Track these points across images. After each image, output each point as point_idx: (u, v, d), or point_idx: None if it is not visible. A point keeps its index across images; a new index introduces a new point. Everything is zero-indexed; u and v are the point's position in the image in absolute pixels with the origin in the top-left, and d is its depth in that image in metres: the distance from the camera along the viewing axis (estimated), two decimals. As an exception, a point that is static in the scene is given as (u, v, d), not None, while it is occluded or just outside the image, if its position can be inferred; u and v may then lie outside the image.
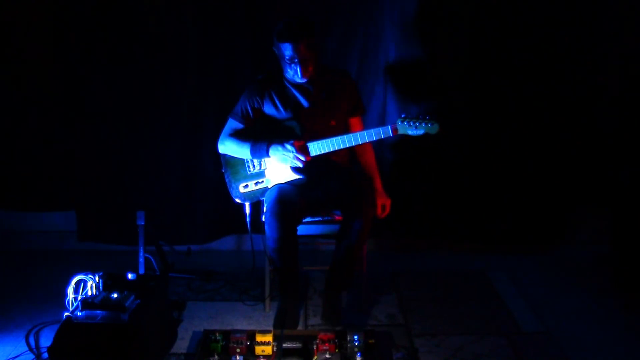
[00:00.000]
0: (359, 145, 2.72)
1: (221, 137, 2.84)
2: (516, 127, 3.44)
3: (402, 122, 2.62)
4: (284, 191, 2.71)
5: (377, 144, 2.92)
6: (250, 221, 2.83)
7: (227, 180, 2.86)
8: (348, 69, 3.28)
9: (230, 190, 2.85)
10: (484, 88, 3.38)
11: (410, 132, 2.62)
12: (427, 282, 3.28)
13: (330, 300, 2.84)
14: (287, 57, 2.64)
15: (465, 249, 3.67)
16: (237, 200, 2.84)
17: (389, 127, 2.64)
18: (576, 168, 3.51)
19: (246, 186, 2.82)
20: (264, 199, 2.80)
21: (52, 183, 3.45)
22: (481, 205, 3.55)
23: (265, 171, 2.80)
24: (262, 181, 2.80)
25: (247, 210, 2.84)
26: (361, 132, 2.67)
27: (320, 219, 2.87)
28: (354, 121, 2.93)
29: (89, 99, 3.31)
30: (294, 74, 2.68)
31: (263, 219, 2.86)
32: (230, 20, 3.24)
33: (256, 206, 2.90)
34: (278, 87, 2.79)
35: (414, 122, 2.61)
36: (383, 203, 2.85)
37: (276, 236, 2.65)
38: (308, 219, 2.83)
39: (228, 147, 2.82)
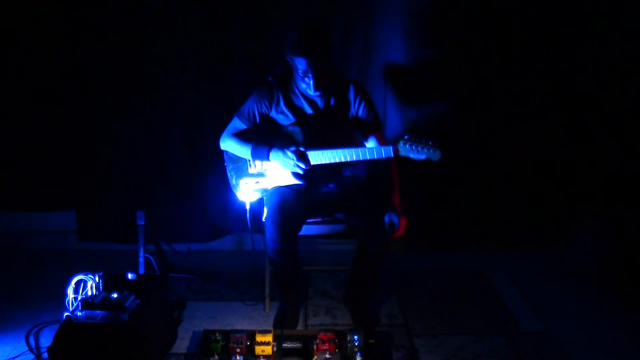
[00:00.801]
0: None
1: (224, 134, 2.82)
2: (516, 127, 3.44)
3: (405, 144, 2.53)
4: (285, 196, 2.70)
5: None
6: (250, 218, 2.81)
7: (228, 175, 2.86)
8: (348, 69, 3.28)
9: (232, 185, 2.85)
10: (484, 88, 3.38)
11: (412, 156, 2.54)
12: (427, 282, 3.28)
13: (360, 304, 2.83)
14: (300, 71, 2.58)
15: (465, 249, 3.67)
16: (238, 196, 2.83)
17: (391, 147, 2.55)
18: (576, 168, 3.51)
19: (247, 183, 2.81)
20: (264, 200, 2.80)
21: (52, 183, 3.45)
22: (481, 205, 3.55)
23: (266, 172, 2.80)
24: (263, 181, 2.80)
25: (248, 207, 2.81)
26: (362, 149, 2.60)
27: (321, 219, 2.87)
28: (372, 138, 2.78)
29: (89, 99, 3.30)
30: (307, 87, 2.64)
31: (263, 219, 2.86)
32: (231, 19, 3.23)
33: (256, 205, 2.89)
34: (287, 91, 2.74)
35: (416, 146, 2.52)
36: (392, 219, 2.64)
37: (276, 238, 2.64)
38: (309, 220, 2.83)
39: (229, 146, 2.81)
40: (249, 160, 2.81)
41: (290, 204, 2.67)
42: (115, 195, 3.43)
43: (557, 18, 3.28)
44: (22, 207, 3.55)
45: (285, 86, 2.73)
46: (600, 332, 2.81)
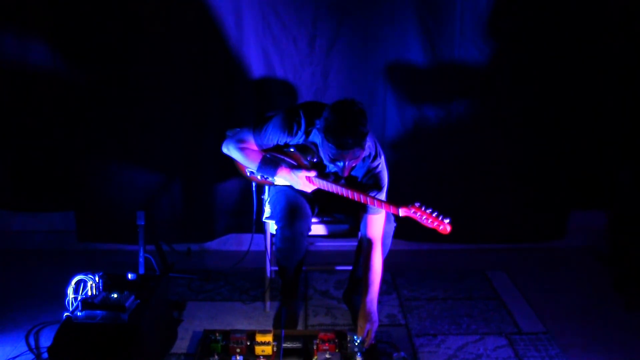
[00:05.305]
0: (367, 237, 2.59)
1: (231, 142, 2.67)
2: (516, 127, 3.44)
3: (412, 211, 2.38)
4: (293, 197, 2.68)
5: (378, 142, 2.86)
6: (256, 210, 2.77)
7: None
8: (347, 69, 3.28)
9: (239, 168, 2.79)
10: (483, 88, 3.38)
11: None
12: (427, 282, 3.28)
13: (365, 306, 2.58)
14: (330, 155, 2.43)
15: (465, 249, 3.67)
16: (247, 173, 2.75)
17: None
18: (576, 168, 3.52)
19: (252, 172, 2.75)
20: (267, 199, 2.80)
21: (52, 183, 3.45)
22: (481, 205, 3.55)
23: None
24: (268, 178, 2.75)
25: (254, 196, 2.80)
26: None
27: (321, 219, 2.87)
28: (372, 218, 2.60)
29: (88, 98, 3.30)
30: (334, 167, 2.50)
31: (264, 219, 2.86)
32: (232, 19, 3.24)
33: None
34: (309, 145, 2.59)
35: (425, 218, 2.38)
36: (366, 325, 2.49)
37: (290, 239, 2.61)
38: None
39: (233, 154, 2.69)
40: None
41: (300, 205, 2.64)
42: (115, 195, 3.43)
43: (557, 18, 3.28)
44: (22, 207, 3.55)
45: (310, 132, 2.55)
46: (600, 332, 2.81)
